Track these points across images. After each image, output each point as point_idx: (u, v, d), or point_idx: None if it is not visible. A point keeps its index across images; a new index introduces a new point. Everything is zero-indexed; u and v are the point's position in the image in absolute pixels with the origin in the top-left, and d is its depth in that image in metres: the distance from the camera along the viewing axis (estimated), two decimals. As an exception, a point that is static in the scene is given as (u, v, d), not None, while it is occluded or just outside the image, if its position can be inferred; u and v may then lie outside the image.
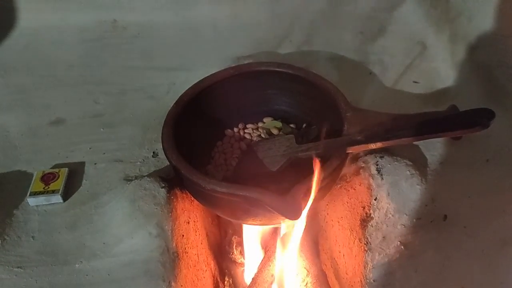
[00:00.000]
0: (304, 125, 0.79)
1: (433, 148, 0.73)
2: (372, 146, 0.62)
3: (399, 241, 0.63)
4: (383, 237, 0.64)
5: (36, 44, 1.05)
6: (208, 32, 1.07)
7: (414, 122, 0.60)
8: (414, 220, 0.64)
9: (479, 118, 0.53)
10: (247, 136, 0.80)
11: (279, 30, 1.06)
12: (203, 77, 0.78)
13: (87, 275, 0.63)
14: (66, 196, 0.72)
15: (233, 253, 0.85)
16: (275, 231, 0.80)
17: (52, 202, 0.71)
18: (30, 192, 0.71)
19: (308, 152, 0.68)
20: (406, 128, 0.59)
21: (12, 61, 1.01)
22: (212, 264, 0.78)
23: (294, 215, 0.56)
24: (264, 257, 0.80)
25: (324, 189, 0.65)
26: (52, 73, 0.98)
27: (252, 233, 0.81)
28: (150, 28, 1.08)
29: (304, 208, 0.59)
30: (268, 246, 0.81)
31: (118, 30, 1.09)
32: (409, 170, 0.67)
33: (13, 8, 1.08)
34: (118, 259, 0.63)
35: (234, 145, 0.79)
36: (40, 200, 0.70)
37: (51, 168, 0.76)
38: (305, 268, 0.82)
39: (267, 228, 0.80)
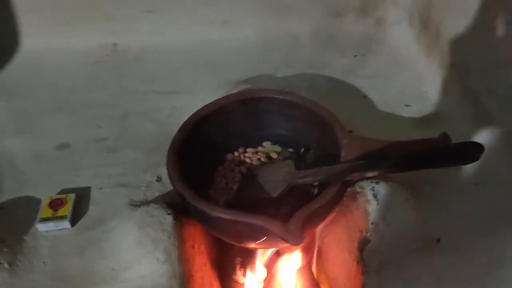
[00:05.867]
0: (302, 149, 0.82)
1: (427, 173, 0.76)
2: (370, 174, 0.65)
3: (396, 264, 0.66)
4: (380, 260, 0.67)
5: (38, 69, 1.07)
6: (208, 55, 1.10)
7: (408, 154, 0.64)
8: (410, 243, 0.67)
9: (469, 152, 0.56)
10: (247, 160, 0.82)
11: (276, 54, 1.09)
12: (202, 100, 0.80)
13: (96, 300, 0.65)
14: (74, 221, 0.74)
15: (235, 273, 0.87)
16: (277, 252, 0.83)
17: (61, 228, 0.73)
18: (40, 218, 0.73)
19: (307, 178, 0.71)
20: (401, 159, 0.63)
21: (15, 86, 1.03)
22: (215, 285, 0.80)
23: (296, 241, 0.59)
24: (266, 278, 0.83)
25: (323, 215, 0.69)
26: (55, 97, 1.00)
27: (254, 255, 0.83)
28: (150, 52, 1.11)
29: (305, 234, 0.63)
30: (270, 267, 0.83)
31: (119, 54, 1.11)
32: (403, 195, 0.70)
33: (15, 32, 1.10)
34: (127, 285, 0.65)
35: (235, 169, 0.81)
36: (49, 225, 0.72)
37: (58, 194, 0.78)
38: (304, 288, 0.85)
39: (269, 251, 0.83)
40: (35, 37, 1.10)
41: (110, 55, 1.11)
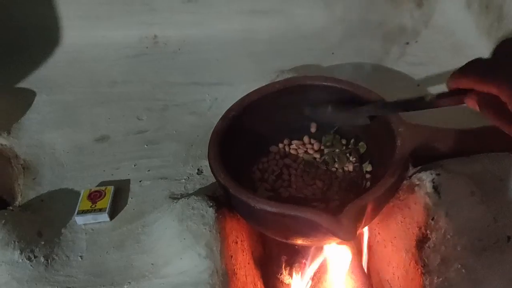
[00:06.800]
0: (352, 139, 0.77)
1: (494, 163, 0.69)
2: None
3: (460, 264, 0.60)
4: (442, 259, 0.61)
5: (79, 61, 1.06)
6: (250, 46, 1.06)
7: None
8: (476, 241, 0.61)
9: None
10: (293, 152, 0.78)
11: (322, 43, 1.04)
12: (245, 92, 0.76)
13: (135, 296, 0.62)
14: (112, 214, 0.72)
15: (282, 273, 0.83)
16: (324, 251, 0.78)
17: (99, 221, 0.71)
18: (78, 210, 0.70)
19: None
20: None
21: (56, 79, 1.02)
22: (259, 284, 0.76)
23: (348, 236, 0.54)
24: (313, 279, 0.78)
25: (377, 208, 0.63)
26: (96, 89, 0.99)
27: (301, 253, 0.78)
28: (191, 43, 1.09)
29: (358, 228, 0.57)
30: (318, 267, 0.78)
31: (159, 46, 1.10)
32: (469, 188, 0.63)
33: (56, 26, 1.10)
34: (167, 281, 0.62)
35: (279, 162, 0.77)
36: (88, 218, 0.70)
37: (97, 186, 0.76)
38: (356, 290, 0.80)
39: (317, 248, 0.78)
40: (75, 30, 1.10)
41: (151, 47, 1.09)
